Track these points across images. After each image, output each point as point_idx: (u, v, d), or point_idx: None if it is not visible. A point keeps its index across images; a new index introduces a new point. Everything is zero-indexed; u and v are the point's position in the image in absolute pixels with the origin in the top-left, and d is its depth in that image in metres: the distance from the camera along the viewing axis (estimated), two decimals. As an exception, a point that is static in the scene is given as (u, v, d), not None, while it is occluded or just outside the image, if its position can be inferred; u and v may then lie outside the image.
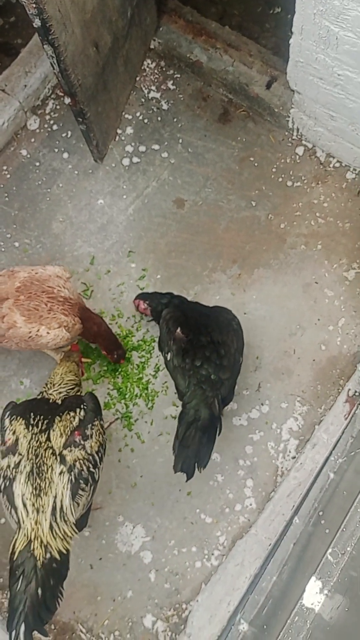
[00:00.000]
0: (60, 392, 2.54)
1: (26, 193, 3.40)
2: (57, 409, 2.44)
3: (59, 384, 2.59)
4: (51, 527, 2.23)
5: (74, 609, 2.75)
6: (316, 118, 3.22)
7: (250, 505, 2.88)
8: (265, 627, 2.20)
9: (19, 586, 2.15)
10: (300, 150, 3.43)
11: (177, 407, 3.02)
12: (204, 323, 2.73)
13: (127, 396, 3.04)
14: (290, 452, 2.95)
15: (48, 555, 2.20)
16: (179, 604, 2.76)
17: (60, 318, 2.75)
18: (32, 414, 2.40)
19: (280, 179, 3.39)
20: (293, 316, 3.16)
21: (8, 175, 3.43)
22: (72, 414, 2.42)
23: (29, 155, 3.47)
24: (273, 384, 3.06)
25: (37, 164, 3.46)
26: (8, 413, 2.45)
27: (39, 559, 2.19)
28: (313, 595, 1.96)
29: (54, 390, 2.56)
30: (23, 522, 2.24)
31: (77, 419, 2.41)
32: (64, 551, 2.24)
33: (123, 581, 2.79)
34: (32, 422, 2.38)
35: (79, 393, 2.61)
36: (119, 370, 3.08)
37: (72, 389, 2.59)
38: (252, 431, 2.99)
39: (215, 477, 2.93)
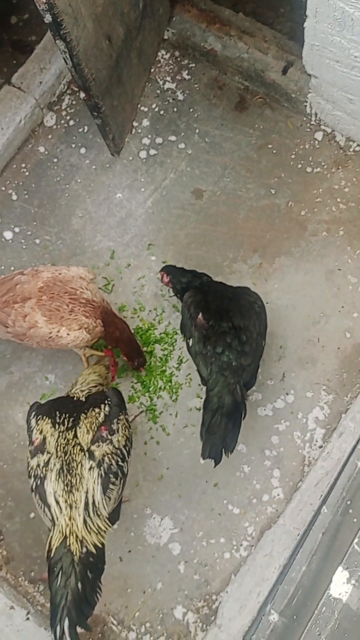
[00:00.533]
0: (82, 390, 2.56)
1: (45, 190, 3.42)
2: (81, 406, 2.46)
3: (82, 383, 2.62)
4: (85, 522, 2.25)
5: (104, 601, 2.77)
6: (334, 102, 3.17)
7: (278, 495, 2.86)
8: (295, 617, 2.20)
9: (58, 582, 2.18)
10: (319, 135, 3.38)
11: (201, 398, 3.01)
12: (225, 307, 2.71)
13: (150, 389, 3.04)
14: (316, 441, 2.93)
15: (84, 550, 2.22)
16: (208, 595, 2.77)
17: (81, 320, 2.76)
18: (57, 412, 2.42)
19: (299, 166, 3.35)
20: (316, 304, 3.12)
21: (27, 173, 3.45)
22: (97, 410, 2.43)
23: (46, 152, 3.48)
24: (298, 373, 3.03)
25: (55, 160, 3.47)
26: (34, 413, 2.48)
27: (76, 554, 2.21)
28: (340, 585, 1.94)
29: (77, 389, 2.59)
30: (57, 519, 2.27)
31: (102, 415, 2.43)
32: (100, 545, 2.27)
33: (153, 573, 2.81)
34: (58, 420, 2.40)
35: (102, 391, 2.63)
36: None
37: (95, 387, 2.61)
38: (277, 421, 2.97)
39: (242, 468, 2.92)
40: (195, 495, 2.90)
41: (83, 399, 2.51)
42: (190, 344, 2.68)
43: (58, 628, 2.13)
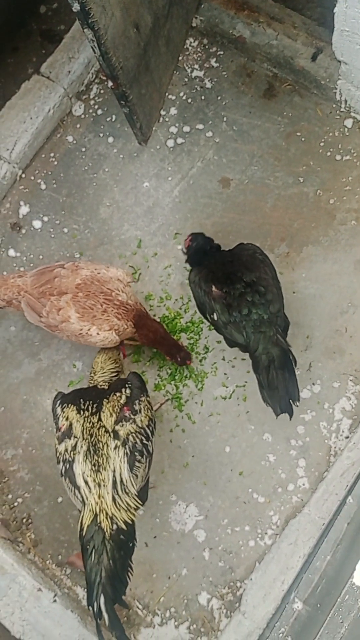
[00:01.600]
0: (104, 380, 2.65)
1: (73, 179, 3.44)
2: (104, 392, 2.54)
3: (101, 372, 2.70)
4: (114, 499, 2.30)
5: (130, 585, 2.77)
6: (364, 88, 3.12)
7: (303, 485, 2.86)
8: (319, 605, 2.20)
9: (92, 560, 2.23)
10: (348, 123, 3.34)
11: (227, 387, 3.03)
12: (231, 270, 2.74)
13: (176, 377, 3.06)
14: (343, 431, 2.91)
15: (115, 527, 2.27)
16: (233, 582, 2.79)
17: (112, 321, 2.78)
18: (81, 399, 2.49)
19: (328, 153, 3.31)
20: (344, 294, 3.10)
21: (55, 162, 3.48)
22: (118, 394, 2.50)
23: (75, 141, 3.50)
24: (324, 364, 3.01)
25: (83, 149, 3.49)
26: (59, 402, 2.55)
27: (107, 531, 2.26)
28: (364, 574, 1.95)
29: (98, 377, 2.66)
30: (87, 499, 2.32)
31: (123, 397, 2.50)
32: (130, 522, 2.31)
33: (178, 559, 2.84)
34: (82, 407, 2.47)
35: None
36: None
37: (115, 375, 2.69)
38: (303, 411, 2.96)
39: (267, 457, 2.92)
40: (220, 483, 2.91)
41: (105, 386, 2.59)
42: (216, 317, 2.70)
43: (95, 605, 2.16)
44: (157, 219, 3.32)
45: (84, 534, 2.28)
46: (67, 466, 2.39)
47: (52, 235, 3.36)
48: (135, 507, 2.34)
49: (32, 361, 3.18)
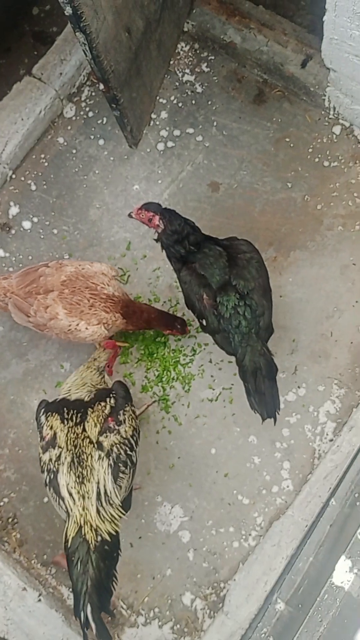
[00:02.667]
0: (83, 392, 2.60)
1: (63, 180, 3.45)
2: (88, 402, 2.52)
3: (78, 385, 2.63)
4: (98, 511, 2.30)
5: (117, 580, 2.82)
6: (353, 96, 3.16)
7: (287, 487, 2.89)
8: (301, 606, 2.23)
9: (78, 569, 2.24)
10: (337, 130, 3.38)
11: (213, 390, 3.05)
12: (224, 277, 2.67)
13: (164, 379, 3.08)
14: (327, 434, 2.95)
15: (99, 539, 2.28)
16: (217, 583, 2.81)
17: (100, 315, 2.81)
18: (65, 409, 2.47)
19: (316, 160, 3.35)
20: (330, 298, 3.13)
21: (46, 164, 3.49)
22: (102, 404, 2.49)
23: (65, 143, 3.52)
24: (310, 367, 3.05)
25: (74, 151, 3.50)
26: (43, 410, 2.53)
27: (91, 542, 2.27)
28: (343, 574, 1.98)
29: (72, 391, 2.61)
30: (71, 510, 2.32)
31: (108, 407, 2.48)
32: (114, 533, 2.32)
33: (162, 560, 2.86)
34: (66, 416, 2.45)
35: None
36: (156, 354, 3.12)
37: (95, 390, 2.63)
38: (288, 414, 2.99)
39: (252, 459, 2.95)
40: (206, 484, 2.94)
41: (87, 399, 2.55)
42: (205, 324, 2.72)
43: (82, 614, 2.18)
44: (147, 221, 3.34)
45: (68, 545, 2.29)
46: (52, 476, 2.38)
47: (42, 236, 3.37)
48: (119, 517, 2.34)
49: (20, 362, 3.18)
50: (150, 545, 2.88)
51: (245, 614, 2.62)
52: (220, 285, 2.67)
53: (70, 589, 2.78)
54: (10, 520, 2.96)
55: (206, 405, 3.04)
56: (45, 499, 2.97)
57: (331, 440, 2.93)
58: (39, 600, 2.73)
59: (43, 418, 2.49)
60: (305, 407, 2.99)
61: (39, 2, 3.80)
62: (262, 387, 2.61)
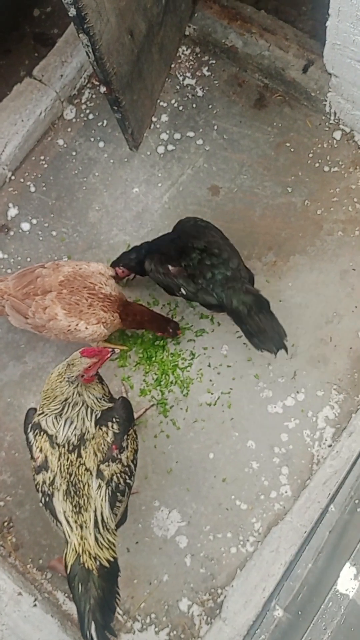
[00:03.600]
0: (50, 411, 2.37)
1: (63, 182, 3.44)
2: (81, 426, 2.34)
3: (48, 402, 2.38)
4: (96, 539, 2.26)
5: (120, 596, 2.80)
6: (354, 101, 3.17)
7: (286, 492, 2.88)
8: (300, 612, 2.21)
9: (80, 590, 2.20)
10: (337, 135, 3.38)
11: (212, 394, 3.04)
12: (180, 245, 2.83)
13: (162, 383, 3.06)
14: (326, 440, 2.94)
15: (98, 564, 2.24)
16: (214, 589, 2.79)
17: (99, 314, 2.80)
18: (55, 435, 2.33)
19: (317, 165, 3.35)
20: (330, 303, 3.13)
21: (45, 165, 3.48)
22: (104, 429, 2.33)
23: (65, 145, 3.51)
24: (309, 372, 3.04)
25: (74, 153, 3.49)
26: (30, 427, 2.39)
27: (92, 569, 2.23)
28: (347, 581, 1.96)
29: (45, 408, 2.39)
30: (69, 537, 2.28)
31: (110, 434, 2.33)
32: (112, 559, 2.28)
33: (159, 565, 2.83)
34: (56, 441, 2.31)
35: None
36: (154, 358, 3.10)
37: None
38: (287, 419, 2.98)
39: (251, 464, 2.93)
40: (204, 489, 2.92)
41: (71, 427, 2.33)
42: (184, 292, 2.79)
43: (87, 633, 2.15)
44: (146, 224, 3.33)
45: (68, 570, 2.25)
46: (47, 499, 2.31)
47: (41, 238, 3.35)
48: (115, 543, 2.29)
49: (17, 364, 3.16)
50: (147, 550, 2.86)
51: (243, 621, 2.60)
52: (179, 252, 2.80)
53: (66, 594, 2.77)
54: (5, 524, 2.93)
55: (205, 409, 3.03)
56: (43, 508, 2.93)
57: (330, 445, 2.91)
58: (35, 605, 2.70)
59: (31, 436, 2.37)
60: (304, 412, 2.98)
61: (40, 3, 3.80)
62: (261, 324, 2.67)
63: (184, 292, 2.80)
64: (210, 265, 2.74)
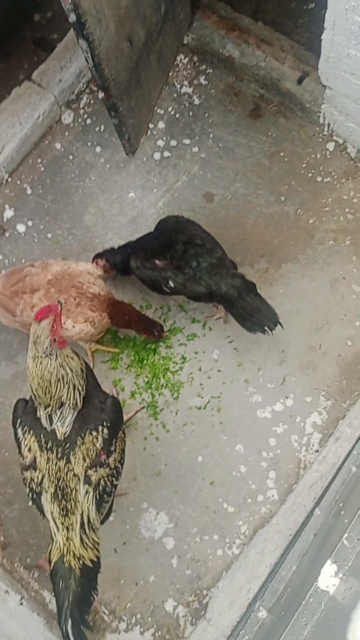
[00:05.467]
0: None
1: (59, 186, 3.48)
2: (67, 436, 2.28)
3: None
4: (82, 540, 2.28)
5: (97, 590, 2.81)
6: (347, 114, 3.22)
7: (272, 496, 2.91)
8: (283, 613, 2.24)
9: (60, 585, 2.24)
10: (330, 146, 3.44)
11: (202, 397, 3.07)
12: (163, 241, 2.91)
13: (153, 386, 3.09)
14: (313, 445, 2.98)
15: (82, 563, 2.27)
16: (199, 590, 2.82)
17: (86, 313, 2.83)
18: (43, 436, 2.28)
19: (310, 175, 3.41)
20: (320, 311, 3.18)
21: (42, 168, 3.51)
22: (94, 433, 2.28)
23: (62, 149, 3.55)
24: (298, 378, 3.08)
25: (71, 157, 3.53)
26: (19, 422, 2.34)
27: (75, 568, 2.25)
28: (328, 578, 2.00)
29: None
30: (55, 535, 2.30)
31: (100, 440, 2.29)
32: (95, 559, 2.31)
33: (146, 566, 2.86)
34: (45, 446, 2.27)
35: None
36: (146, 360, 3.14)
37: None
38: (275, 424, 3.02)
39: (239, 468, 2.97)
40: (192, 492, 2.95)
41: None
42: (172, 284, 2.87)
43: (63, 628, 2.19)
44: (141, 229, 3.37)
45: (51, 567, 2.28)
46: (35, 496, 2.33)
47: (36, 240, 3.39)
48: (99, 542, 2.32)
49: (9, 364, 3.19)
50: (134, 551, 2.88)
51: (228, 622, 2.63)
52: (163, 247, 2.89)
53: (53, 593, 2.78)
54: (-6, 522, 2.95)
55: (194, 412, 3.06)
56: (30, 503, 2.95)
57: (317, 451, 2.95)
58: (21, 603, 2.72)
59: (20, 432, 2.34)
60: (292, 417, 3.02)
61: (40, 8, 3.84)
62: (254, 304, 2.78)
63: (172, 284, 2.86)
64: (194, 254, 2.82)
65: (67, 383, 2.22)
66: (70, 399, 2.25)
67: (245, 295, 2.77)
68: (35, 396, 2.27)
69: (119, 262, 3.04)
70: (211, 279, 2.80)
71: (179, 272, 2.83)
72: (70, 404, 2.25)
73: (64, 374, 2.21)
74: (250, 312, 2.78)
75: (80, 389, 2.27)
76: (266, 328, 2.80)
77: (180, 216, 3.02)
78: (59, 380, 2.20)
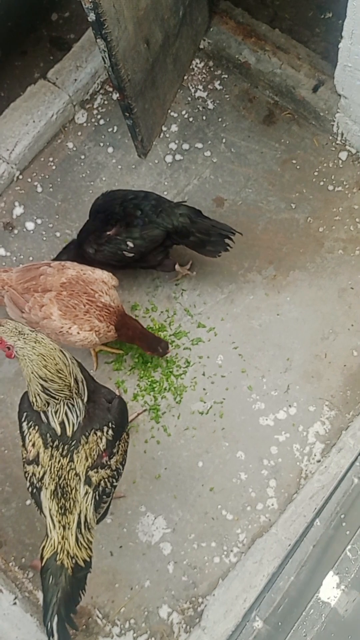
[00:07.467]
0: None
1: (70, 185, 3.47)
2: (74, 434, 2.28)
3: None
4: (77, 539, 2.26)
5: (92, 594, 2.79)
6: (361, 123, 3.22)
7: (272, 505, 2.88)
8: (279, 624, 2.22)
9: (50, 581, 2.21)
10: (343, 155, 3.43)
11: (205, 403, 3.05)
12: (101, 218, 2.99)
13: (155, 389, 3.08)
14: (315, 455, 2.95)
15: (74, 563, 2.24)
16: (195, 598, 2.79)
17: (93, 322, 2.81)
18: (48, 435, 2.27)
19: (321, 183, 3.39)
20: (326, 320, 3.16)
21: (54, 167, 3.51)
22: (99, 434, 2.28)
23: (74, 148, 3.54)
24: (302, 387, 3.06)
25: (82, 157, 3.53)
26: (25, 416, 2.33)
27: (67, 566, 2.23)
28: (330, 589, 1.97)
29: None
30: (50, 532, 2.28)
31: (104, 441, 2.29)
32: (88, 559, 2.28)
33: (142, 570, 2.83)
34: (50, 443, 2.26)
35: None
36: (150, 363, 3.12)
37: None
38: (278, 432, 2.99)
39: (239, 475, 2.94)
40: (191, 497, 2.92)
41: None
42: (132, 244, 2.93)
43: (48, 625, 2.17)
44: (150, 231, 3.36)
45: (43, 563, 2.26)
46: (35, 490, 2.32)
47: (44, 238, 3.38)
48: (92, 542, 2.30)
49: (13, 361, 3.16)
50: (130, 555, 2.85)
51: (222, 630, 2.59)
52: (104, 220, 2.97)
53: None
54: (-10, 520, 2.93)
55: (196, 417, 3.04)
56: (28, 502, 2.94)
57: (319, 461, 2.93)
58: (14, 603, 2.69)
59: (25, 426, 2.33)
60: (295, 426, 3.00)
61: (58, 8, 3.85)
62: (206, 222, 2.92)
63: (131, 244, 2.92)
64: (134, 206, 2.92)
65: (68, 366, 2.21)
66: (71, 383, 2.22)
67: (195, 217, 2.91)
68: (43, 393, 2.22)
69: (74, 258, 3.04)
70: (159, 217, 2.90)
71: (130, 230, 2.92)
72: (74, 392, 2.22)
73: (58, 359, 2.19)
74: (206, 231, 2.90)
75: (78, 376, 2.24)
76: (226, 241, 2.93)
77: (105, 192, 3.08)
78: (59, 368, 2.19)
